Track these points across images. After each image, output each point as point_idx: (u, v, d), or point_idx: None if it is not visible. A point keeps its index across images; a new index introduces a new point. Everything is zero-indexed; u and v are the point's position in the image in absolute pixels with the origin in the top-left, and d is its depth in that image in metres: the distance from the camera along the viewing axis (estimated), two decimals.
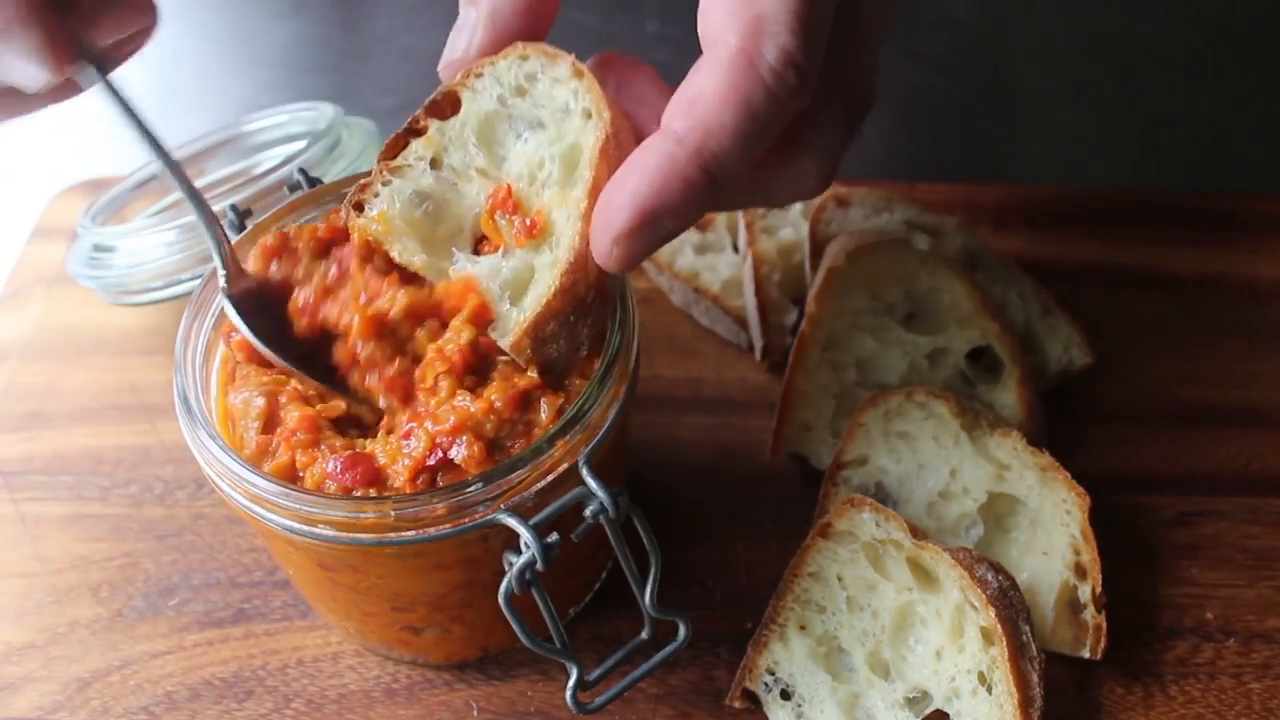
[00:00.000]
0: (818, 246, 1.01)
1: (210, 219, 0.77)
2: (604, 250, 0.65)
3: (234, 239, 0.80)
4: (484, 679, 0.86)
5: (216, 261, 0.77)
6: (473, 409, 0.71)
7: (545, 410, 0.72)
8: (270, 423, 0.74)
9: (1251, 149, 1.28)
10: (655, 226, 0.63)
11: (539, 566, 0.69)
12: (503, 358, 0.74)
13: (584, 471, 0.71)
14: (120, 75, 0.76)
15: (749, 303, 1.02)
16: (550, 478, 0.71)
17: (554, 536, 0.69)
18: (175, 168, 0.76)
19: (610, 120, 0.68)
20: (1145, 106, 1.32)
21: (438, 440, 0.70)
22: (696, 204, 0.63)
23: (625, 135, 0.69)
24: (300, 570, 0.80)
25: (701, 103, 0.62)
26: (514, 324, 0.71)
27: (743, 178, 0.65)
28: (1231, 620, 0.88)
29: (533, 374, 0.73)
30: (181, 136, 1.16)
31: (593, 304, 0.71)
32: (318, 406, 0.75)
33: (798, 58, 0.62)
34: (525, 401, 0.72)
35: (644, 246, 0.65)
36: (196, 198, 0.77)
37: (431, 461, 0.70)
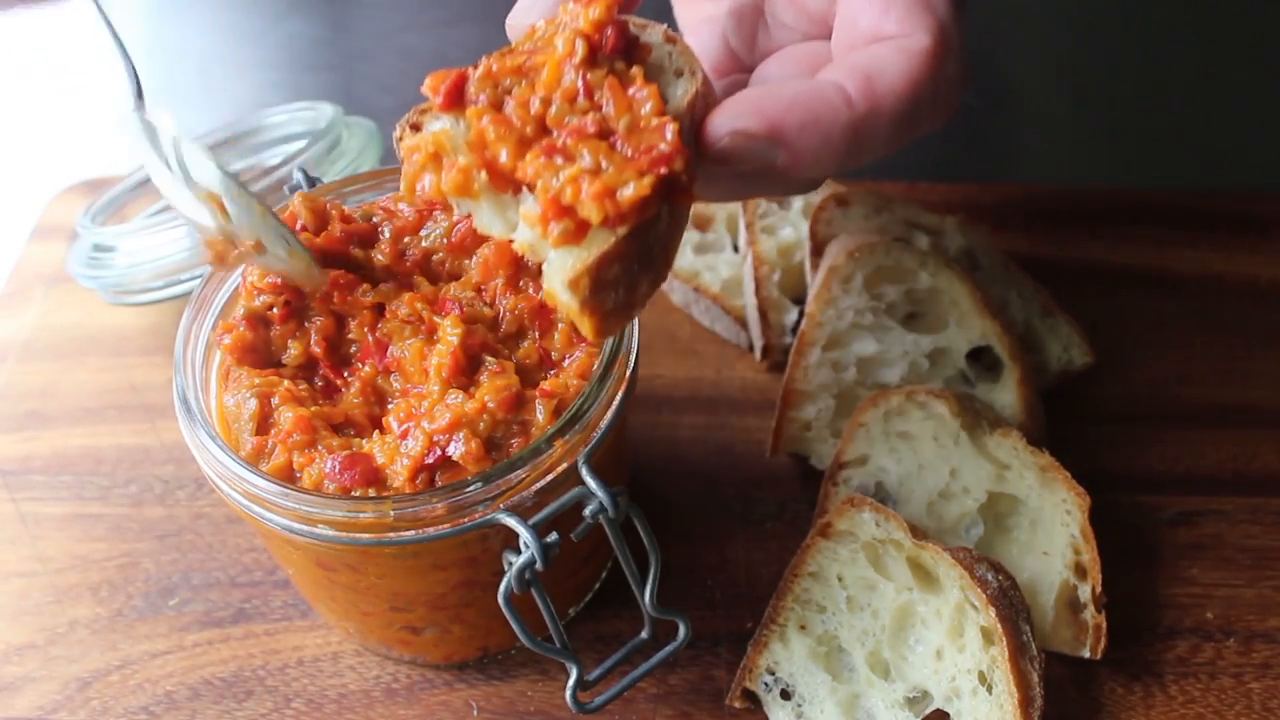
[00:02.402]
0: (818, 246, 1.01)
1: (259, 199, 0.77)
2: (718, 132, 0.65)
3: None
4: (484, 679, 0.86)
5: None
6: (466, 407, 0.71)
7: (541, 411, 0.72)
8: (263, 425, 0.74)
9: (1251, 149, 1.27)
10: (770, 146, 0.65)
11: (538, 566, 0.69)
12: (491, 359, 0.74)
13: (583, 471, 0.71)
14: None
15: (749, 302, 1.02)
16: (550, 477, 0.71)
17: (553, 536, 0.69)
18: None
19: (701, 81, 0.68)
20: (1145, 106, 1.32)
21: (435, 438, 0.70)
22: (820, 157, 0.66)
23: (711, 98, 0.69)
24: (299, 570, 0.80)
25: (881, 81, 0.65)
26: (575, 259, 0.64)
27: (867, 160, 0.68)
28: (1232, 620, 0.88)
29: (583, 329, 0.66)
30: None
31: (656, 260, 0.68)
32: (311, 408, 0.75)
33: (967, 82, 0.68)
34: (519, 402, 0.72)
35: (747, 154, 0.65)
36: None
37: (430, 459, 0.70)
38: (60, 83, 1.39)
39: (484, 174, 0.66)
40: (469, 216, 0.81)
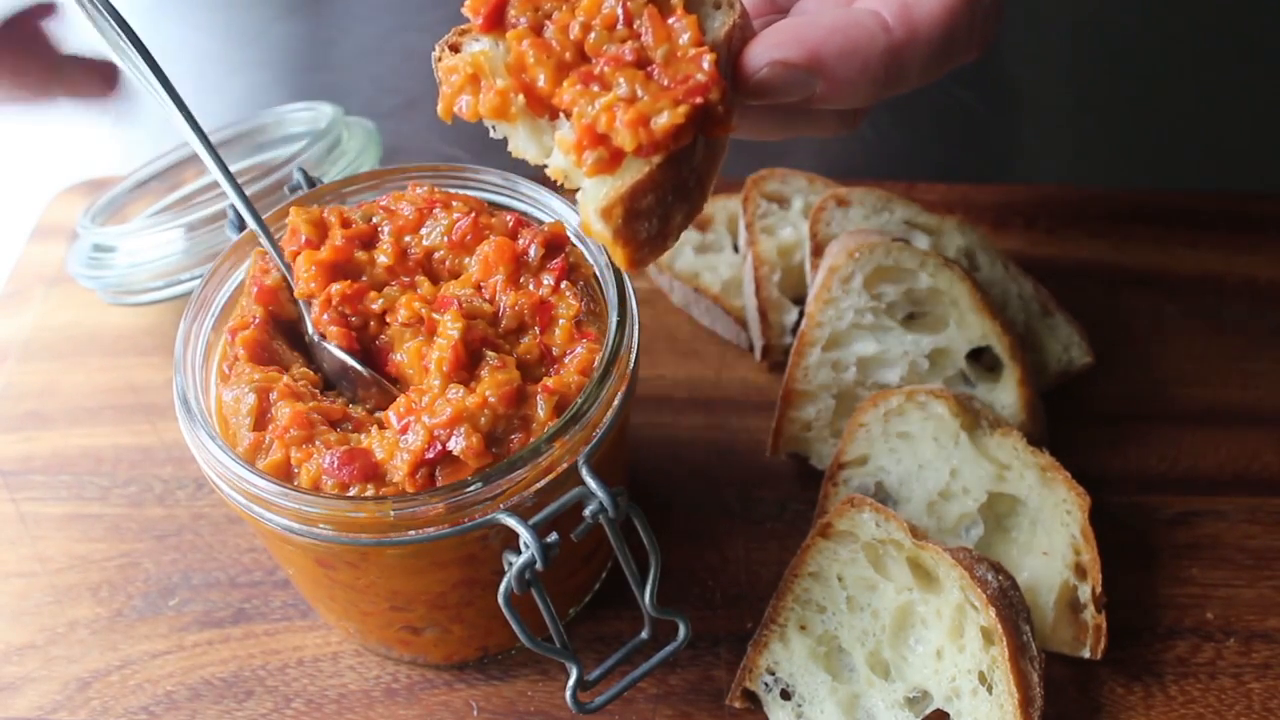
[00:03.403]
0: (818, 246, 1.01)
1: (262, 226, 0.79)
2: (756, 63, 0.66)
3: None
4: (484, 679, 0.86)
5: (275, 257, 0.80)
6: (467, 401, 0.71)
7: (542, 406, 0.72)
8: (262, 420, 0.74)
9: (1251, 149, 1.27)
10: (808, 75, 0.66)
11: (538, 566, 0.68)
12: (492, 354, 0.74)
13: (583, 471, 0.71)
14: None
15: (749, 303, 1.02)
16: (550, 477, 0.71)
17: (553, 536, 0.69)
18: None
19: (740, 13, 0.68)
20: (1145, 106, 1.32)
21: (436, 433, 0.70)
22: (858, 85, 0.67)
23: (749, 30, 0.69)
24: (299, 569, 0.80)
25: (918, 9, 0.67)
26: (609, 188, 0.64)
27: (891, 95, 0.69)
28: (1231, 620, 0.88)
29: (616, 254, 0.66)
30: (182, 137, 1.17)
31: (692, 192, 0.67)
32: (310, 404, 0.75)
33: (1001, 15, 0.70)
34: (520, 397, 0.72)
35: (786, 84, 0.66)
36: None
37: (430, 454, 0.70)
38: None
39: (521, 98, 0.66)
40: (469, 214, 0.81)
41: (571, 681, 0.73)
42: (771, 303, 1.01)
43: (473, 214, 0.81)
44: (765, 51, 0.66)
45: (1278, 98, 1.32)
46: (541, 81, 0.65)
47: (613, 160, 0.63)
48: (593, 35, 0.66)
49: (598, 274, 0.81)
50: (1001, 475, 0.89)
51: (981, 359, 0.97)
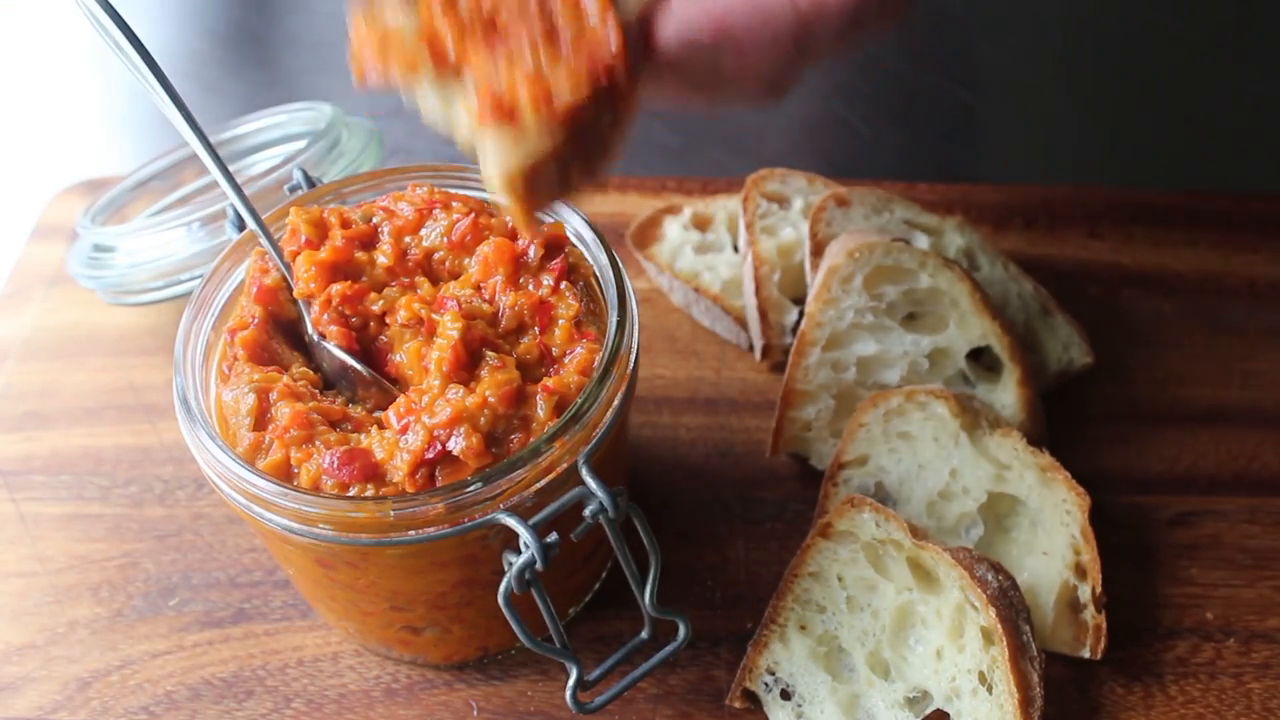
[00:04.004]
0: (818, 246, 1.01)
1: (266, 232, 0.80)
2: (666, 37, 0.66)
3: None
4: (484, 679, 0.86)
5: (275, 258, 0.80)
6: (467, 401, 0.71)
7: (542, 406, 0.72)
8: (261, 420, 0.74)
9: (1251, 149, 1.27)
10: (717, 50, 0.65)
11: (538, 566, 0.68)
12: (491, 354, 0.74)
13: (583, 471, 0.71)
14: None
15: (749, 303, 1.02)
16: (550, 477, 0.71)
17: (553, 536, 0.69)
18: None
19: None
20: (1145, 106, 1.32)
21: (435, 433, 0.70)
22: (767, 60, 0.66)
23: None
24: (299, 569, 0.79)
25: None
26: (510, 158, 0.65)
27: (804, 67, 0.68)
28: (1231, 620, 0.88)
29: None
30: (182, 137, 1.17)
31: (595, 156, 0.68)
32: (310, 404, 0.74)
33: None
34: (520, 397, 0.72)
35: (696, 59, 0.66)
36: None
37: (430, 454, 0.70)
38: (60, 82, 1.39)
39: (430, 60, 0.67)
40: (468, 214, 0.81)
41: (571, 681, 0.72)
42: (772, 303, 1.01)
43: (472, 214, 0.81)
44: (675, 24, 0.65)
45: (1277, 98, 1.32)
46: (450, 47, 0.66)
47: (516, 131, 0.64)
48: (504, 12, 0.67)
49: (597, 274, 0.81)
50: (1001, 475, 0.89)
51: (981, 359, 0.97)
